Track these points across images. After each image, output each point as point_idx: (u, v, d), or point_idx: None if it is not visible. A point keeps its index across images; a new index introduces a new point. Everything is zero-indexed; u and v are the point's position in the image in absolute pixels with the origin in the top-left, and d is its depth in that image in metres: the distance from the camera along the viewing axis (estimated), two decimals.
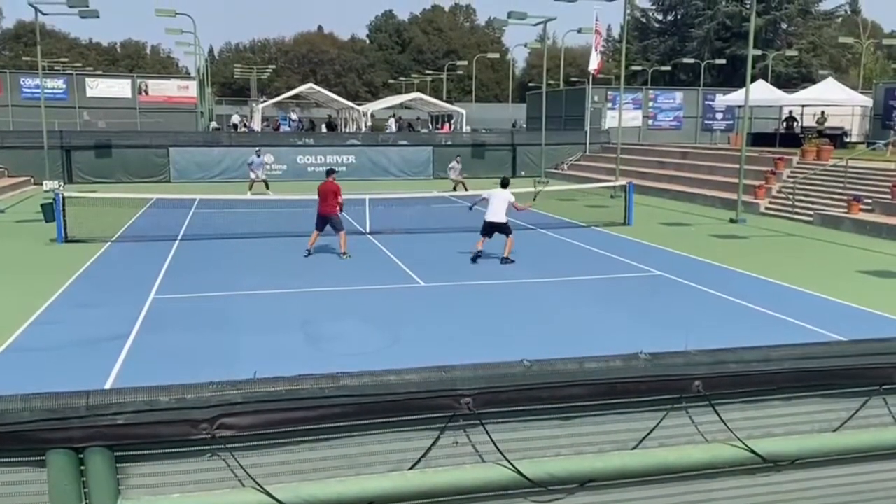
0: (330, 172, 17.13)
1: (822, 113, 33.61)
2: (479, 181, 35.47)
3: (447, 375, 1.94)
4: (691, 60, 59.11)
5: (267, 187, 28.41)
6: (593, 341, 10.10)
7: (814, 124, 33.28)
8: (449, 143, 40.40)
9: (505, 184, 16.36)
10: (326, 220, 16.28)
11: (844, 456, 2.24)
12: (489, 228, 15.91)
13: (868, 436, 2.24)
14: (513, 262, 15.62)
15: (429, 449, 1.96)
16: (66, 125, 38.51)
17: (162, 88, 46.88)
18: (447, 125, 52.37)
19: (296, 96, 54.57)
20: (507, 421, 2.00)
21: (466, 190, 28.37)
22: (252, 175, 28.11)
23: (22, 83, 43.51)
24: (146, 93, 46.12)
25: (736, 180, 23.77)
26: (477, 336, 10.54)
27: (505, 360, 2.03)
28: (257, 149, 30.04)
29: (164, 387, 1.80)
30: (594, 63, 35.14)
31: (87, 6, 27.69)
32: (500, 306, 12.26)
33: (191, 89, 47.42)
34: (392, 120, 50.36)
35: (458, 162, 31.64)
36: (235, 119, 53.68)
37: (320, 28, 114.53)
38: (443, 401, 1.92)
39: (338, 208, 16.36)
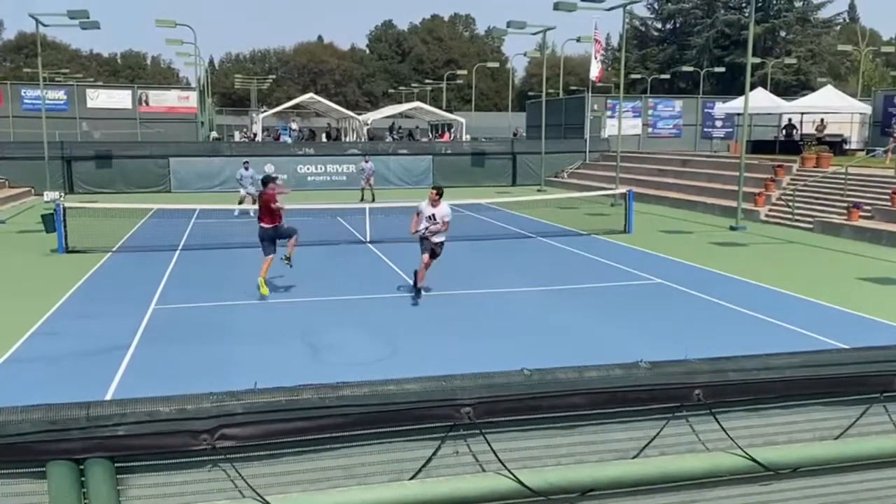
0: (268, 181, 14.18)
1: (822, 120, 33.68)
2: (480, 189, 35.63)
3: (447, 385, 1.94)
4: (690, 69, 59.33)
5: (254, 202, 24.37)
6: (593, 350, 10.08)
7: (813, 132, 33.36)
8: (449, 151, 40.48)
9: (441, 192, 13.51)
10: (274, 235, 13.78)
11: (846, 464, 2.23)
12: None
13: (869, 443, 2.24)
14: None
15: (429, 459, 1.95)
16: (67, 136, 38.58)
17: (162, 99, 46.97)
18: (447, 134, 52.44)
19: (296, 106, 54.72)
20: (507, 430, 1.99)
21: (373, 200, 27.08)
22: (242, 191, 25.34)
23: (23, 94, 43.61)
24: (147, 103, 46.21)
25: (735, 188, 23.78)
26: (476, 345, 10.53)
27: (505, 369, 2.03)
28: (245, 161, 27.31)
29: (165, 398, 1.80)
30: (595, 71, 35.24)
31: (88, 17, 27.80)
32: (500, 315, 12.25)
33: (191, 100, 47.50)
34: (366, 129, 50.37)
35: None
36: (256, 129, 53.36)
37: (320, 38, 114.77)
38: (443, 410, 1.92)
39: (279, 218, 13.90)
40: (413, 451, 1.95)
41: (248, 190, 24.85)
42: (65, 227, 18.07)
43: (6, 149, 34.46)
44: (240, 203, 24.88)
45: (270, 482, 1.87)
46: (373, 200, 26.87)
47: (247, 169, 25.74)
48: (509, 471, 1.96)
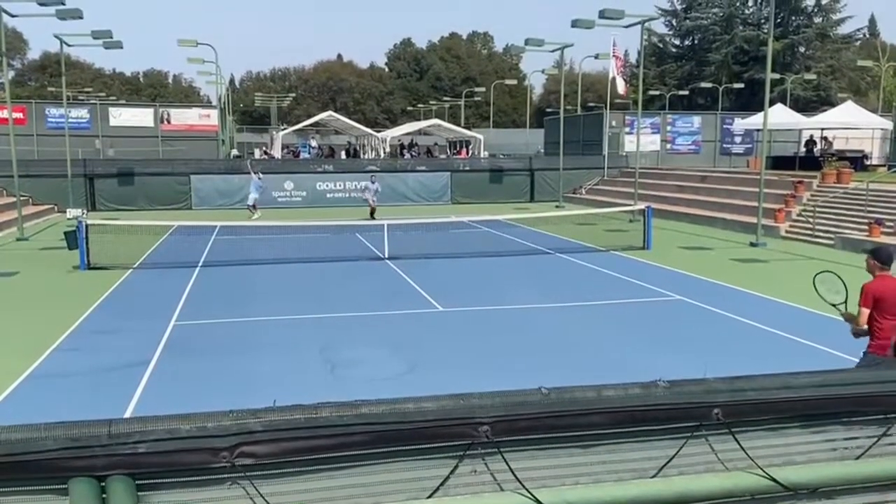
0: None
1: (825, 139, 33.59)
2: (498, 205, 35.63)
3: (465, 403, 1.94)
4: (709, 85, 59.13)
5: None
6: (611, 368, 10.03)
7: (822, 147, 33.26)
8: (467, 168, 40.55)
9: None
10: None
11: (867, 484, 2.21)
12: None
13: (891, 463, 2.21)
14: None
15: (447, 477, 1.95)
16: (90, 154, 39.08)
17: (184, 117, 47.41)
18: (465, 151, 52.54)
19: (315, 124, 55.00)
20: (525, 449, 1.99)
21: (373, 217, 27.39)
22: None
23: (47, 113, 44.23)
24: (168, 121, 46.66)
25: (755, 204, 23.63)
26: (494, 362, 10.50)
27: (523, 387, 2.03)
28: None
29: (185, 415, 1.81)
30: (621, 87, 35.22)
31: (111, 37, 28.23)
32: (518, 332, 12.22)
33: (212, 117, 47.93)
34: (399, 142, 50.77)
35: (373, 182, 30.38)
36: (275, 147, 52.70)
37: (340, 56, 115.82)
38: (460, 429, 1.93)
39: None
40: (431, 469, 1.95)
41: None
42: (87, 243, 18.25)
43: (30, 166, 34.86)
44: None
45: (289, 500, 1.87)
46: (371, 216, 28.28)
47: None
48: (527, 490, 1.96)
